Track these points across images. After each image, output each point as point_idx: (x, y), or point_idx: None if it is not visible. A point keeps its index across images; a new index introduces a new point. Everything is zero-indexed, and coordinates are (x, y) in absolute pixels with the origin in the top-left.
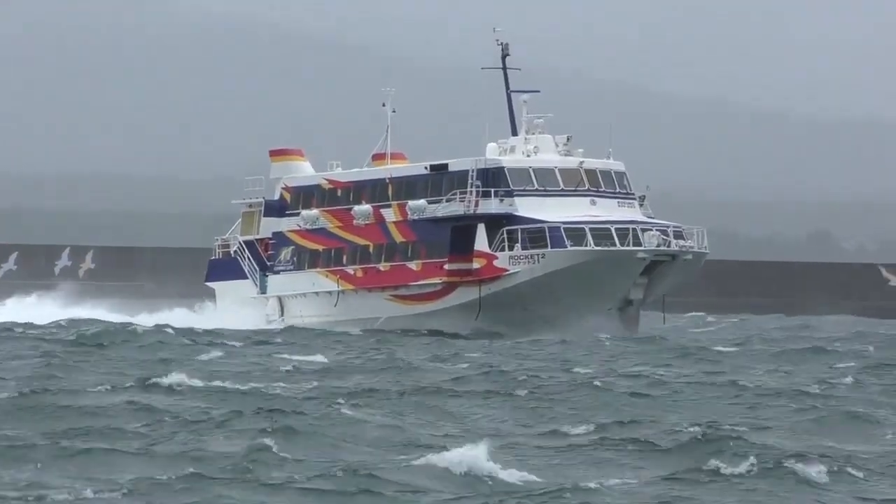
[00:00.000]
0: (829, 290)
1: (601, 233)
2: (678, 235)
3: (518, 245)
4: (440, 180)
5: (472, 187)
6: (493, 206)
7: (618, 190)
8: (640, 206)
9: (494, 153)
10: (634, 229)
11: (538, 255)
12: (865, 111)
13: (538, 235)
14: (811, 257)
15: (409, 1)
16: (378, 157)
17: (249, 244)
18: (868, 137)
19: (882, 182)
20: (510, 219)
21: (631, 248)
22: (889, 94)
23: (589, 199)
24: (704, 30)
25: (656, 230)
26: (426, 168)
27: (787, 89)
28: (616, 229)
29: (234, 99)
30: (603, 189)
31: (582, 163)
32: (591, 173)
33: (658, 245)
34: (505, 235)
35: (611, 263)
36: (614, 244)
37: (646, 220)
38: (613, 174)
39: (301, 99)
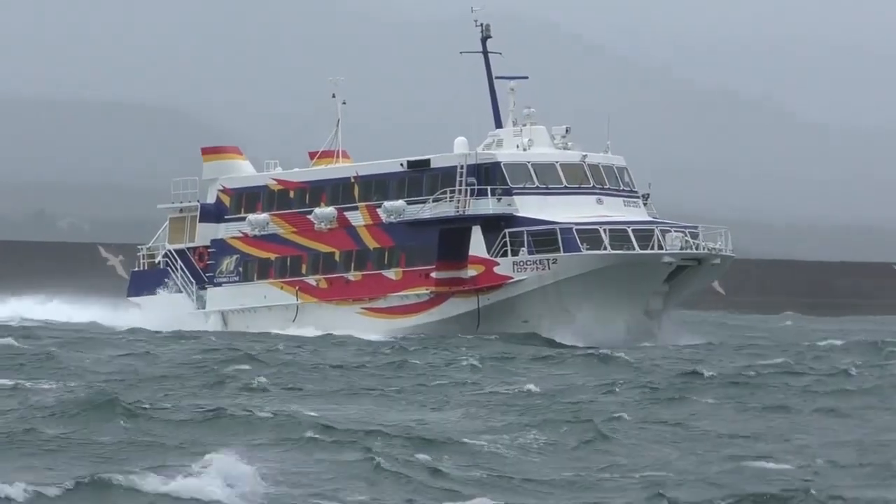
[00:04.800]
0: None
1: (618, 235)
2: (696, 237)
3: (524, 249)
4: (420, 178)
5: (461, 185)
6: (489, 205)
7: (622, 188)
8: (644, 204)
9: (463, 149)
10: (655, 231)
11: (549, 260)
12: None
13: (548, 238)
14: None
15: None
16: (324, 156)
17: (181, 253)
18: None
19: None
20: (509, 220)
21: (655, 251)
22: None
23: (595, 197)
24: None
25: (675, 231)
26: (402, 165)
27: None
28: (634, 231)
29: None
30: (608, 186)
31: (585, 157)
32: (594, 169)
33: (682, 248)
34: (507, 239)
35: (633, 269)
36: (633, 248)
37: (662, 220)
38: (616, 170)
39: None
